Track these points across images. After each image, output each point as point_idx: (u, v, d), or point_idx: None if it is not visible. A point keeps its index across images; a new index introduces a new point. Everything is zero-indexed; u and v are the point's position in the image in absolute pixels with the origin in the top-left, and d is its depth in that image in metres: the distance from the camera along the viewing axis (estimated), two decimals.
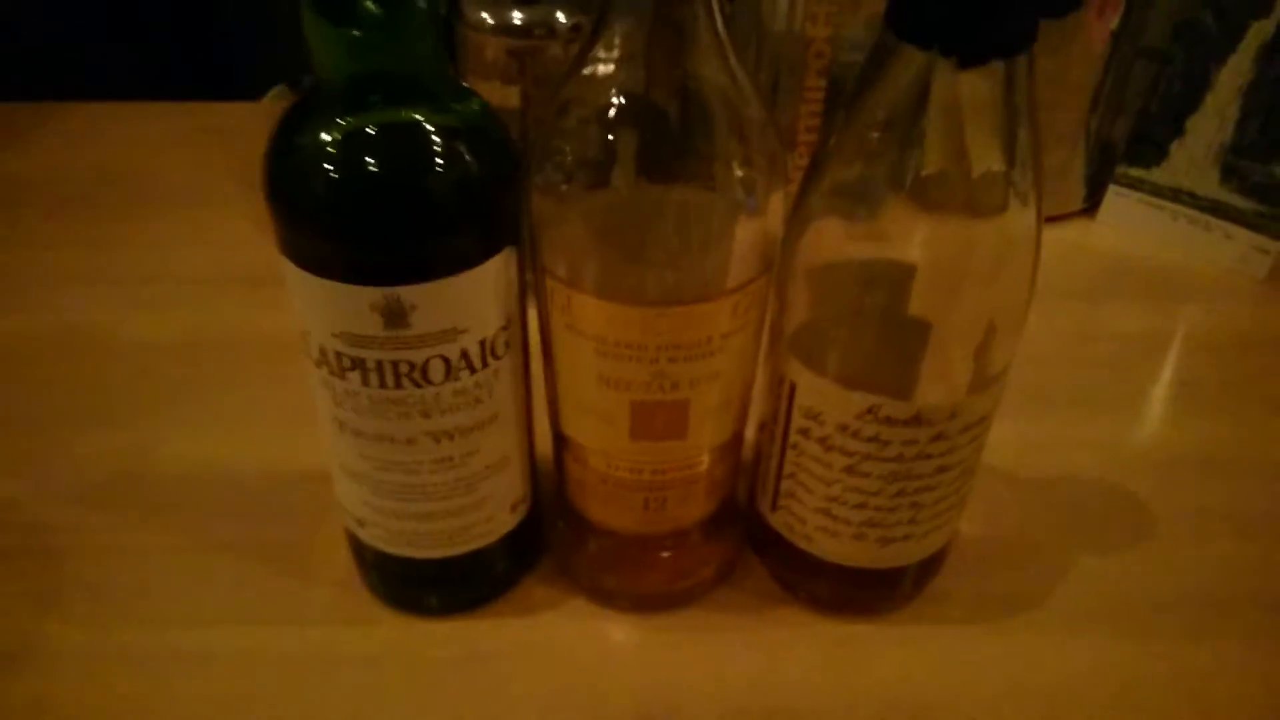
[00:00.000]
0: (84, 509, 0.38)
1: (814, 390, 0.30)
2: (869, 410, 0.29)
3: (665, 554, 0.35)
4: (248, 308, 0.49)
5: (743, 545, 0.37)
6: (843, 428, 0.30)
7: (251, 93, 0.68)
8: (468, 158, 0.26)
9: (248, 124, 0.65)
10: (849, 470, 0.30)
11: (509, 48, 0.44)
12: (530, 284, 0.29)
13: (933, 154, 0.25)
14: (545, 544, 0.37)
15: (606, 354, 0.28)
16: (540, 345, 0.31)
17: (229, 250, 0.54)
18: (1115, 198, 0.59)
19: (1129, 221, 0.58)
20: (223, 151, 0.63)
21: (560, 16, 0.44)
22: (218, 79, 0.74)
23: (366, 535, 0.33)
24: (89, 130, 0.66)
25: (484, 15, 0.44)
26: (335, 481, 0.32)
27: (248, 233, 0.55)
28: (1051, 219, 0.57)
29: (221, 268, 0.52)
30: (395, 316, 0.26)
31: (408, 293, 0.26)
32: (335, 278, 0.26)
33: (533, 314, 0.30)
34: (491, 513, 0.32)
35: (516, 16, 0.44)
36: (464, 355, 0.28)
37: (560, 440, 0.33)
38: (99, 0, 0.79)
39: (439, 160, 0.26)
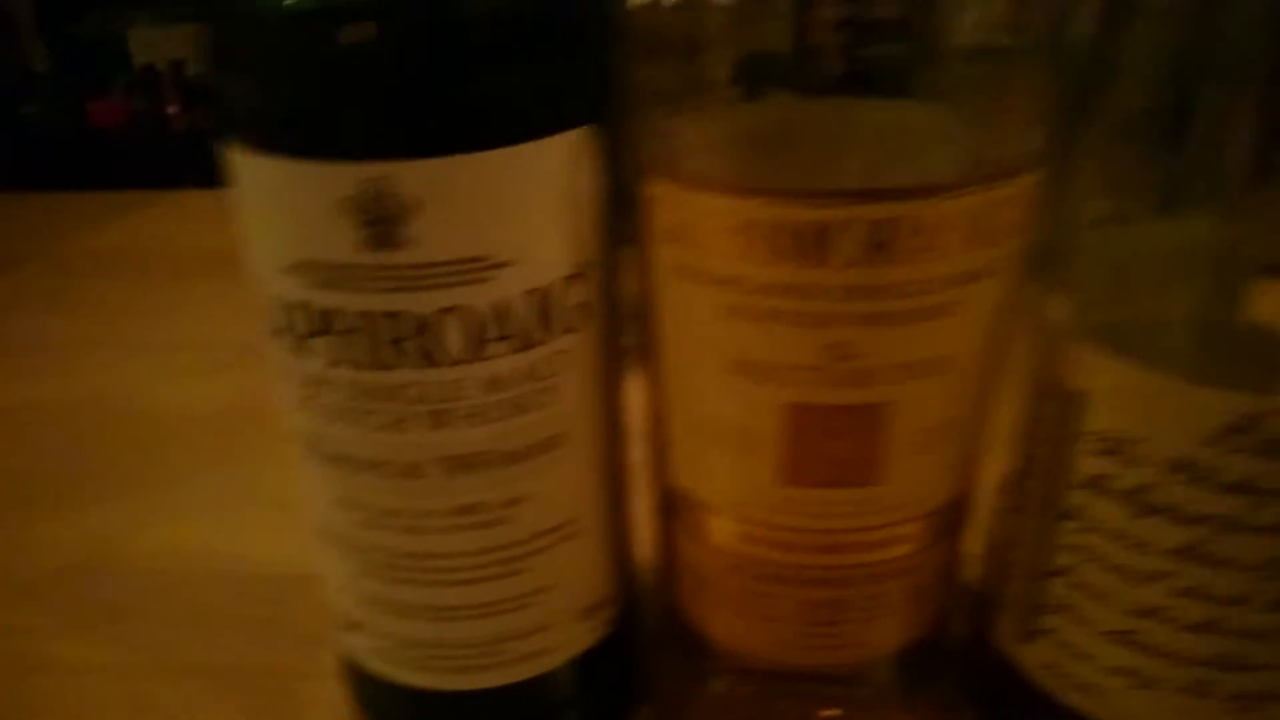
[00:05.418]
0: (22, 607, 0.28)
1: (1125, 398, 0.17)
2: (1234, 427, 0.16)
3: (829, 713, 0.21)
4: None
5: (958, 711, 0.23)
6: (1178, 466, 0.16)
7: None
8: None
9: None
10: (1184, 554, 0.17)
11: None
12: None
13: None
14: (645, 687, 0.23)
15: (746, 312, 0.16)
16: (642, 328, 0.19)
17: None
18: None
19: None
20: None
21: None
22: None
23: (360, 648, 0.21)
24: (166, 215, 0.61)
25: None
26: (318, 561, 0.21)
27: None
28: None
29: None
30: (385, 223, 0.15)
31: (405, 174, 0.15)
32: (290, 152, 0.15)
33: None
34: (548, 617, 0.20)
35: None
36: (500, 312, 0.16)
37: (670, 507, 0.20)
38: None
39: None
